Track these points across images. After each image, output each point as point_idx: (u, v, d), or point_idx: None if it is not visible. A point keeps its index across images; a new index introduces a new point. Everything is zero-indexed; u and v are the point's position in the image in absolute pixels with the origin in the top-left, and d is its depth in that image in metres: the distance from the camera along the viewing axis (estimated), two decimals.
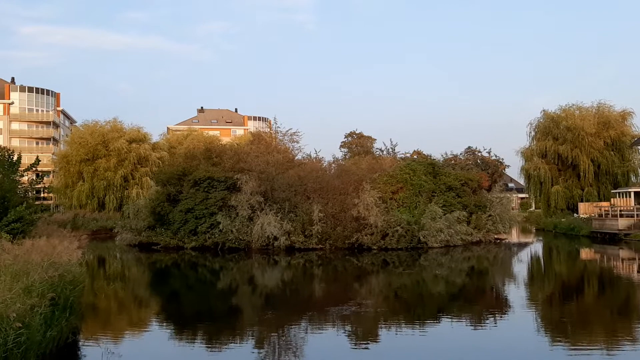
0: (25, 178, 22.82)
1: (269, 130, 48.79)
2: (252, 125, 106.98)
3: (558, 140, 56.67)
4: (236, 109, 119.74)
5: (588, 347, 11.88)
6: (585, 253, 35.39)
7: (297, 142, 43.31)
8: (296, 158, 42.27)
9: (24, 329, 8.79)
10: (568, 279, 24.33)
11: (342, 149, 72.58)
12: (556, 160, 57.43)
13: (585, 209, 50.73)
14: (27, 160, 25.39)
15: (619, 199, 47.03)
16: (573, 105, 58.95)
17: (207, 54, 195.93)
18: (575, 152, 54.96)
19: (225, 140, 72.52)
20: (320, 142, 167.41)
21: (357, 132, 75.09)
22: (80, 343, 12.22)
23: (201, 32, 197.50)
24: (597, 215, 45.02)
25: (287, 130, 43.48)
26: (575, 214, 51.92)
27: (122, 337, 13.66)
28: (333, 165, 43.13)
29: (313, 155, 43.24)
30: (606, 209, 44.76)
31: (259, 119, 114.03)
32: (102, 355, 10.95)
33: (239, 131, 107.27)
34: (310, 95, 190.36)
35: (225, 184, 35.35)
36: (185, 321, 15.49)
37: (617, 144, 55.66)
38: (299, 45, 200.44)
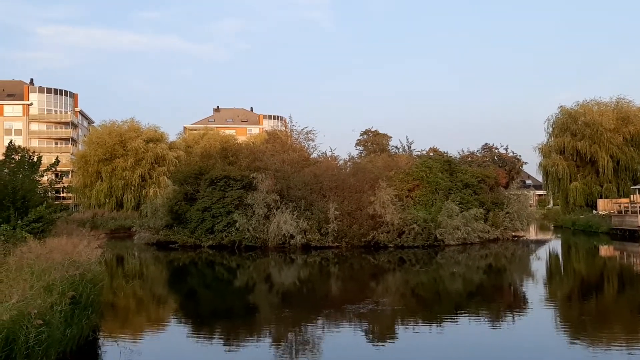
0: (45, 178, 23.06)
1: (284, 128, 48.92)
2: (267, 124, 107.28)
3: (576, 136, 55.95)
4: (252, 108, 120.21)
5: (607, 345, 11.76)
6: (605, 250, 34.97)
7: (313, 141, 43.55)
8: (312, 156, 42.34)
9: (45, 327, 8.93)
10: (587, 276, 24.08)
11: (358, 147, 72.37)
12: (574, 157, 56.68)
13: (604, 206, 50.07)
14: (46, 160, 25.66)
15: (638, 195, 46.37)
16: (591, 100, 58.16)
17: (222, 53, 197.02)
18: (594, 148, 54.21)
19: (241, 139, 72.88)
20: (335, 140, 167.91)
21: (372, 130, 74.87)
22: (100, 341, 12.37)
23: (215, 30, 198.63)
24: (616, 212, 44.44)
25: (303, 129, 43.75)
26: (594, 211, 51.26)
27: (141, 335, 13.81)
28: (349, 163, 43.08)
29: (328, 153, 43.24)
30: (626, 205, 44.12)
31: (275, 117, 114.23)
32: (121, 353, 11.09)
33: (255, 130, 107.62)
34: (325, 93, 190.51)
35: (241, 182, 35.52)
36: (203, 319, 15.63)
37: (637, 140, 54.77)
38: (315, 43, 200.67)
